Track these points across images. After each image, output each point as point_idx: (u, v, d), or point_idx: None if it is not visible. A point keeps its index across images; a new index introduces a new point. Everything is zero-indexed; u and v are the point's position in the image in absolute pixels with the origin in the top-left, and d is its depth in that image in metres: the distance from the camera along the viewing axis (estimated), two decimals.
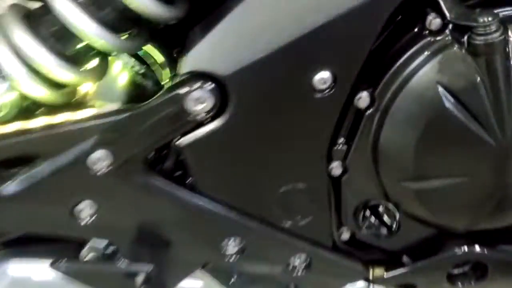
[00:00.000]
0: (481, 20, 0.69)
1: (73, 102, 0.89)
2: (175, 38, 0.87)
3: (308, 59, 0.74)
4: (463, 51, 0.72)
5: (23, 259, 0.94)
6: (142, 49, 0.93)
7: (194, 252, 0.92)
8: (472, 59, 0.72)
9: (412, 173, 0.81)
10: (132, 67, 1.07)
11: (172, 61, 0.92)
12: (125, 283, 0.93)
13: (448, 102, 0.74)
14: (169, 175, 0.85)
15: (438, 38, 0.74)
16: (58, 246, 0.94)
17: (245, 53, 0.74)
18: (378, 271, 0.97)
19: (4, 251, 0.95)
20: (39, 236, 0.90)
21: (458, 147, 0.78)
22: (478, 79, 0.73)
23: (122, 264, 0.92)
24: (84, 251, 0.94)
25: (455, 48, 0.73)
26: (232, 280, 0.97)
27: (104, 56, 0.86)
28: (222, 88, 0.76)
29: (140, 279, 0.93)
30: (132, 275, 0.93)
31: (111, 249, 0.93)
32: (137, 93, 0.93)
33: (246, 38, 0.74)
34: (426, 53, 0.75)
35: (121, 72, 1.13)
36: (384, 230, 0.90)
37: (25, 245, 0.94)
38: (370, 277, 0.97)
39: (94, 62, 0.86)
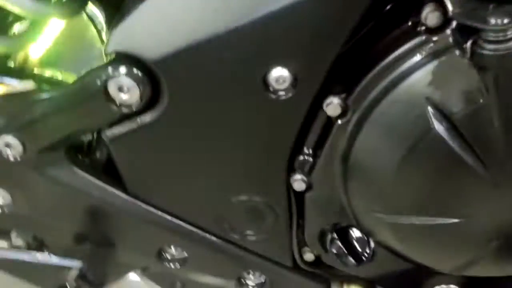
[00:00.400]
0: (493, 21, 0.48)
1: (13, 69, 0.76)
2: None
3: (260, 51, 0.57)
4: (466, 60, 0.53)
5: None
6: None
7: (129, 254, 0.80)
8: (476, 73, 0.53)
9: (387, 205, 0.64)
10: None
11: None
12: (54, 277, 0.83)
13: (439, 126, 0.56)
14: (98, 171, 0.72)
15: (435, 38, 0.54)
16: None
17: (181, 35, 0.57)
18: None
19: None
20: None
21: (446, 180, 0.60)
22: (481, 100, 0.54)
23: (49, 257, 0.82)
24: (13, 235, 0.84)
25: (455, 55, 0.53)
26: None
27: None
28: (152, 76, 0.60)
29: (73, 274, 0.83)
30: (63, 269, 0.84)
31: (37, 240, 0.82)
32: None
33: (187, 16, 0.57)
34: (417, 55, 0.55)
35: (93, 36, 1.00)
36: (351, 260, 0.74)
37: None
38: None
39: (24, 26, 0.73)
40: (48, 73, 0.78)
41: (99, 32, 0.89)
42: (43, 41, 0.81)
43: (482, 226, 0.62)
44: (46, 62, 0.82)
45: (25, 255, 0.80)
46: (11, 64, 0.77)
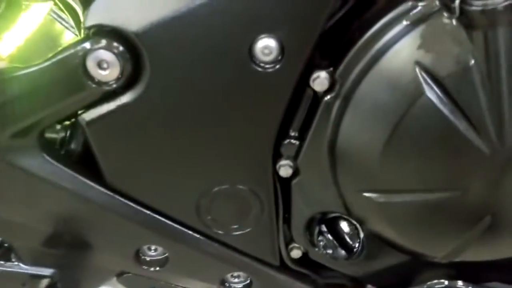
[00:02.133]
0: None
1: None
2: None
3: (247, 20, 0.56)
4: (454, 21, 0.53)
5: None
6: None
7: (105, 258, 0.74)
8: (465, 32, 0.52)
9: (377, 183, 0.62)
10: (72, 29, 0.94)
11: None
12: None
13: (430, 91, 0.55)
14: (74, 162, 0.68)
15: (422, 3, 0.54)
16: None
17: (164, 4, 0.56)
18: None
19: None
20: None
21: (440, 152, 0.58)
22: (472, 61, 0.53)
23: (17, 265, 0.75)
24: None
25: (443, 17, 0.53)
26: None
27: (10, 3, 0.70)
28: (134, 50, 0.58)
29: (43, 284, 0.77)
30: (34, 278, 0.77)
31: (4, 247, 0.76)
32: None
33: None
34: (404, 22, 0.55)
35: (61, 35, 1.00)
36: (342, 252, 0.71)
37: None
38: None
39: None
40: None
41: (66, 27, 0.89)
42: (12, 39, 0.79)
43: (476, 199, 0.60)
44: (16, 58, 0.79)
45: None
46: None
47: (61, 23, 0.95)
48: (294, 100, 0.62)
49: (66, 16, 0.91)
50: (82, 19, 0.71)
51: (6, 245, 0.76)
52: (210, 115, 0.62)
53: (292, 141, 0.65)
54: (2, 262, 0.77)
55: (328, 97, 0.61)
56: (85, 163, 0.68)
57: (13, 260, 0.77)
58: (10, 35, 0.79)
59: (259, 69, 0.58)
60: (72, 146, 0.67)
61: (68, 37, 0.96)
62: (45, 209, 0.70)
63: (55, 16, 0.94)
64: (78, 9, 0.76)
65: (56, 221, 0.71)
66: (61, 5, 0.81)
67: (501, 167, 0.58)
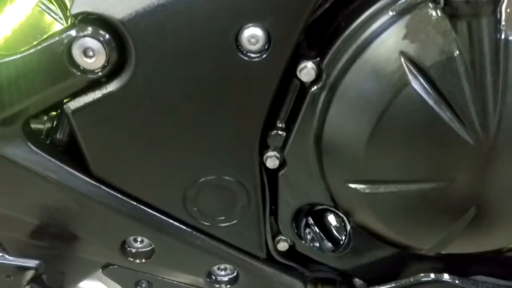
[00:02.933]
0: None
1: None
2: None
3: (233, 7, 0.56)
4: (439, 11, 0.53)
5: None
6: None
7: (91, 249, 0.74)
8: (450, 23, 0.53)
9: (363, 174, 0.62)
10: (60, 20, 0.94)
11: None
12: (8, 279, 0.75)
13: (415, 81, 0.55)
14: (59, 152, 0.67)
15: None
16: None
17: None
18: None
19: None
20: None
21: (425, 142, 0.58)
22: (457, 52, 0.53)
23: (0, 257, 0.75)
24: None
25: (428, 8, 0.54)
26: None
27: None
28: (120, 38, 0.58)
29: (28, 276, 0.76)
30: (19, 270, 0.76)
31: None
32: None
33: None
34: (390, 12, 0.55)
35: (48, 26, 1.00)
36: (328, 244, 0.71)
37: None
38: None
39: None
40: None
41: (55, 19, 0.89)
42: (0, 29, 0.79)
43: (461, 190, 0.60)
44: (4, 49, 0.79)
45: None
46: None
47: (50, 15, 0.95)
48: (281, 91, 0.63)
49: (55, 7, 0.91)
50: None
51: None
52: (196, 105, 0.61)
53: (279, 132, 0.65)
54: None
55: (315, 87, 0.61)
56: (71, 153, 0.68)
57: None
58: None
59: (246, 58, 0.58)
60: (58, 135, 0.67)
61: (57, 28, 0.96)
62: (29, 200, 0.69)
63: (43, 7, 0.94)
64: (67, 0, 0.76)
65: (41, 212, 0.70)
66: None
67: (485, 157, 0.58)
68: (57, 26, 0.97)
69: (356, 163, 0.61)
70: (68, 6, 0.75)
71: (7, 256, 0.76)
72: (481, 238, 0.66)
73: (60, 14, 0.90)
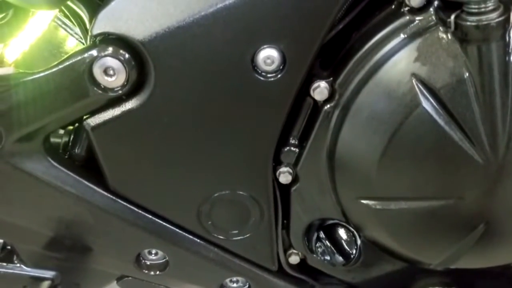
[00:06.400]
0: None
1: None
2: None
3: (250, 30, 0.58)
4: (449, 35, 0.55)
5: None
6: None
7: (106, 261, 0.76)
8: (460, 46, 0.54)
9: (375, 191, 0.63)
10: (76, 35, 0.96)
11: None
12: None
13: (426, 102, 0.57)
14: (77, 166, 0.69)
15: (419, 17, 0.56)
16: None
17: (170, 14, 0.57)
18: None
19: None
20: None
21: (435, 161, 0.60)
22: (467, 74, 0.55)
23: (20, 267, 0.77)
24: None
25: (438, 32, 0.55)
26: None
27: (18, 11, 0.71)
28: (139, 58, 0.60)
29: (44, 286, 0.78)
30: (35, 280, 0.78)
31: (7, 249, 0.77)
32: None
33: None
34: (402, 35, 0.57)
35: (64, 42, 1.02)
36: (339, 258, 0.73)
37: None
38: None
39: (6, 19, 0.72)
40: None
41: (70, 34, 0.91)
42: (18, 44, 0.81)
43: (471, 208, 0.62)
44: (19, 65, 0.81)
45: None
46: None
47: (65, 30, 0.97)
48: (295, 108, 0.64)
49: (70, 23, 0.93)
50: (88, 26, 0.73)
51: (8, 247, 0.78)
52: (212, 122, 0.63)
53: (292, 148, 0.67)
54: (4, 264, 0.78)
55: (328, 106, 0.62)
56: (88, 167, 0.70)
57: (15, 262, 0.78)
58: (17, 41, 0.81)
59: (261, 78, 0.60)
60: (76, 150, 0.69)
61: (72, 43, 0.98)
62: (47, 213, 0.71)
63: (59, 23, 0.96)
64: (84, 17, 0.78)
65: (58, 225, 0.72)
66: (67, 12, 0.83)
67: (494, 176, 0.59)
68: (72, 41, 0.99)
69: (368, 180, 0.63)
70: (85, 20, 0.78)
71: (24, 267, 0.78)
72: (490, 254, 0.68)
73: (76, 29, 0.92)
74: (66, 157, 0.69)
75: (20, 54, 0.82)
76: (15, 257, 0.77)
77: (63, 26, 0.98)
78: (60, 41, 1.00)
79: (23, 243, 0.75)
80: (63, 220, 0.71)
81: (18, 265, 0.77)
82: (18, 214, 0.71)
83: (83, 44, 0.88)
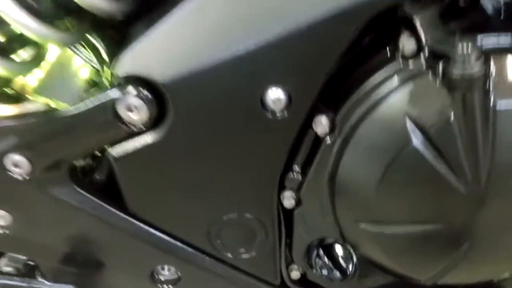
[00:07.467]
0: (459, 48, 0.58)
1: (11, 95, 0.80)
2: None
3: (260, 73, 0.64)
4: (438, 82, 0.62)
5: None
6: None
7: (122, 277, 0.82)
8: (447, 92, 0.62)
9: (371, 215, 0.71)
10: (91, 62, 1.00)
11: None
12: None
13: (416, 139, 0.64)
14: (98, 190, 0.75)
15: (411, 63, 0.64)
16: None
17: (189, 59, 0.64)
18: None
19: None
20: None
21: (424, 190, 0.67)
22: (452, 117, 0.62)
23: (41, 282, 0.83)
24: (1, 262, 0.85)
25: (429, 78, 0.62)
26: None
27: (38, 46, 0.77)
28: (160, 97, 0.66)
29: None
30: None
31: (30, 265, 0.83)
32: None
33: (192, 42, 0.64)
34: (396, 78, 0.64)
35: (79, 68, 1.06)
36: (337, 274, 0.80)
37: None
38: None
39: (28, 52, 0.77)
40: (42, 100, 0.83)
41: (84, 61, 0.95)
42: (36, 72, 0.86)
43: (456, 230, 0.69)
44: (39, 90, 0.86)
45: (18, 281, 0.81)
46: (8, 90, 0.81)
47: (79, 55, 1.02)
48: (298, 139, 0.71)
49: (84, 50, 0.98)
50: (104, 55, 0.79)
51: (31, 263, 0.84)
52: (224, 154, 0.70)
53: (295, 175, 0.73)
54: (27, 279, 0.84)
55: (328, 138, 0.69)
56: (107, 190, 0.76)
57: (37, 277, 0.84)
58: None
59: (269, 115, 0.66)
60: (96, 175, 0.75)
61: (85, 70, 1.03)
62: (69, 232, 0.77)
63: (73, 48, 1.01)
64: (100, 46, 0.84)
65: (78, 243, 0.78)
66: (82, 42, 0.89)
67: (476, 204, 0.67)
68: (83, 63, 1.04)
69: (365, 206, 0.70)
70: (99, 49, 0.84)
71: (44, 281, 0.84)
72: (473, 270, 0.75)
73: (90, 56, 0.97)
74: (88, 181, 0.75)
75: (37, 81, 0.88)
76: (37, 272, 0.84)
77: (77, 51, 1.03)
78: (73, 67, 1.05)
79: (43, 259, 0.81)
80: (83, 239, 0.78)
81: (40, 280, 0.83)
82: (43, 234, 0.77)
83: (97, 70, 0.93)
